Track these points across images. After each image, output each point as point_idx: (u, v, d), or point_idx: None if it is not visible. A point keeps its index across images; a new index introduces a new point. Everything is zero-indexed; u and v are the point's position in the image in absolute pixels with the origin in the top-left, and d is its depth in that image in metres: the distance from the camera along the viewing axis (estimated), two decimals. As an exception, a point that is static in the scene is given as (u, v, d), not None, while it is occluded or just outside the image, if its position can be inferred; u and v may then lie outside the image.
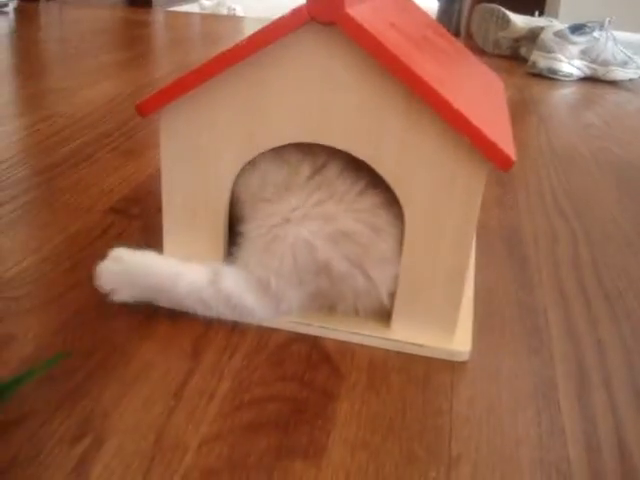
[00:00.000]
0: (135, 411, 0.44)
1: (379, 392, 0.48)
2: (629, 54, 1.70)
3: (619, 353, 0.55)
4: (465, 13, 2.21)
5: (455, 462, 0.42)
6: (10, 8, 2.00)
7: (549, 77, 1.67)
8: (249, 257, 0.52)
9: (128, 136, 0.99)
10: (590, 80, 1.70)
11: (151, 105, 0.49)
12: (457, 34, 2.23)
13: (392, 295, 0.52)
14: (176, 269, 0.53)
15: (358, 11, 0.44)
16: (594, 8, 1.97)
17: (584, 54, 1.68)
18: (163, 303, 0.54)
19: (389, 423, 0.45)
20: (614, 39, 1.69)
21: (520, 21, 1.87)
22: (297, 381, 0.48)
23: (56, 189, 0.77)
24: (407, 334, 0.52)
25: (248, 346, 0.51)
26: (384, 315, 0.53)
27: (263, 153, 0.50)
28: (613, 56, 1.68)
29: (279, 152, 0.52)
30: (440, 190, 0.47)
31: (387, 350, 0.52)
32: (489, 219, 0.79)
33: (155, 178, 0.83)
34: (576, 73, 1.69)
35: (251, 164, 0.52)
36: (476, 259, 0.67)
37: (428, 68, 0.47)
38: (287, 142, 0.49)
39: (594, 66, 1.69)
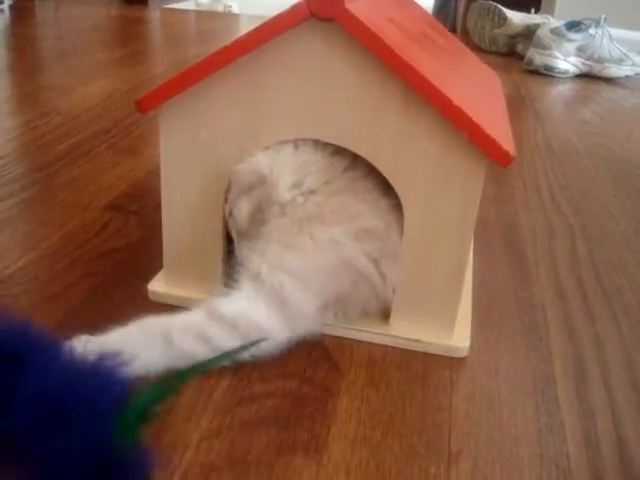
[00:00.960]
0: (135, 408, 0.44)
1: (379, 388, 0.48)
2: (625, 51, 1.70)
3: (617, 349, 0.55)
4: (461, 10, 2.21)
5: (455, 458, 0.42)
6: (5, 5, 1.99)
7: (545, 74, 1.68)
8: (262, 263, 0.49)
9: (126, 133, 0.99)
10: (586, 77, 1.70)
11: (151, 101, 0.49)
12: (453, 31, 2.23)
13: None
14: (161, 326, 0.47)
15: (357, 7, 0.44)
16: (590, 5, 1.97)
17: (580, 51, 1.68)
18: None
19: (389, 419, 0.45)
20: (610, 36, 1.69)
21: (516, 18, 1.87)
22: (297, 377, 0.48)
23: (54, 186, 0.77)
24: (406, 330, 0.52)
25: (248, 342, 0.51)
26: (383, 311, 0.53)
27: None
28: (609, 53, 1.68)
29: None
30: (439, 186, 0.47)
31: (386, 346, 0.52)
32: (487, 215, 0.79)
33: (153, 174, 0.83)
34: (572, 70, 1.69)
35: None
36: (474, 255, 0.68)
37: (427, 64, 0.47)
38: (286, 138, 0.49)
39: (590, 63, 1.69)
